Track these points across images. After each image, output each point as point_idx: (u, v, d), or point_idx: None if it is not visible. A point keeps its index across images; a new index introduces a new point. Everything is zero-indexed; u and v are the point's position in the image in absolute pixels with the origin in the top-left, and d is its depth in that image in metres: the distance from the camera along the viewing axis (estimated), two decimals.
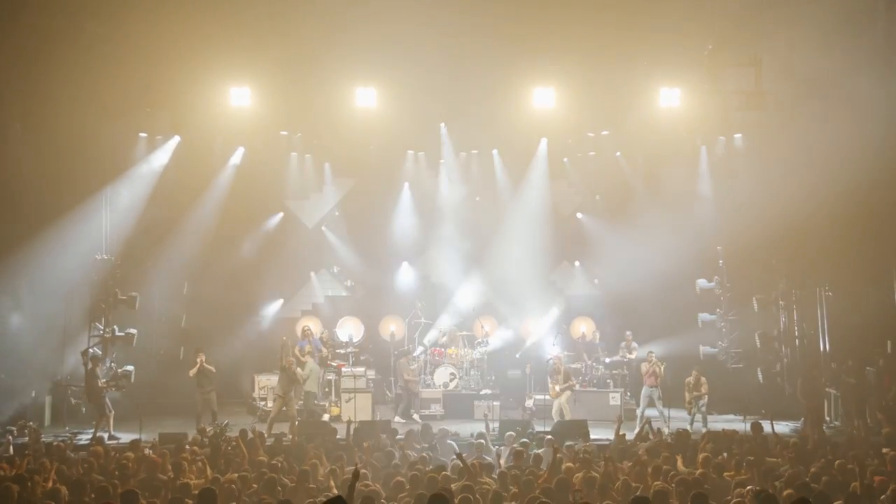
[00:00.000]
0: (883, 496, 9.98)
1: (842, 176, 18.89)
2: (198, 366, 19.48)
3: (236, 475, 11.08)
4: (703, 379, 19.37)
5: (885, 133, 18.81)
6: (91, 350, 19.63)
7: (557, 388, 19.72)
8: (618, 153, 23.50)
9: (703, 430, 17.23)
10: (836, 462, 12.19)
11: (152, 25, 18.48)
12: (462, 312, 23.50)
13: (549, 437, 14.98)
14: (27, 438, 16.24)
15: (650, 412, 18.90)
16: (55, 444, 14.64)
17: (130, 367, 19.92)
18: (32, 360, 19.45)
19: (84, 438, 17.17)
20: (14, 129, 18.95)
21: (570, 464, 11.93)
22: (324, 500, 9.28)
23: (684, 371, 19.85)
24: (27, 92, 18.75)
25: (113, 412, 18.91)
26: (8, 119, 18.74)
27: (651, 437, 14.92)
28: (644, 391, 19.52)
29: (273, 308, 23.85)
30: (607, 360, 21.71)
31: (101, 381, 19.11)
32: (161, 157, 21.80)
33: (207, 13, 18.46)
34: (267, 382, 21.24)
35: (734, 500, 9.32)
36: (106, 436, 17.71)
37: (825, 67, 18.47)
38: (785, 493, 9.69)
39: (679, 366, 20.22)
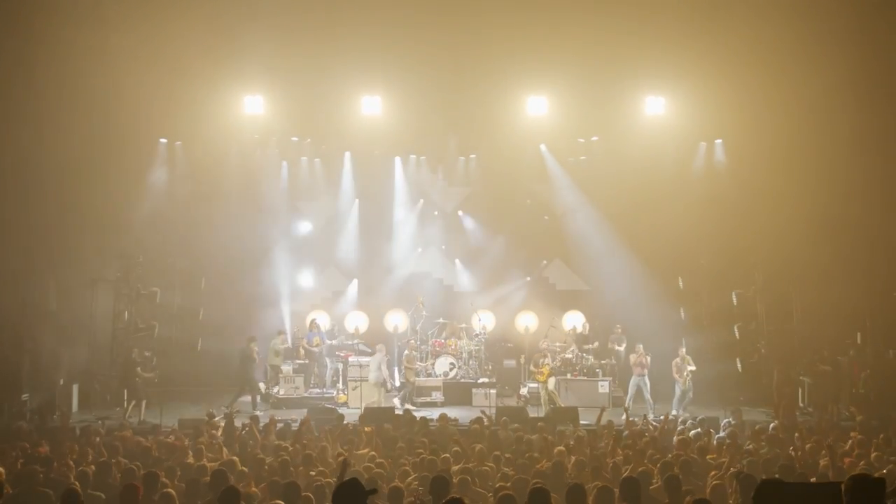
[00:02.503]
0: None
1: (815, 177, 19.03)
2: (254, 353, 20.32)
3: (250, 458, 11.08)
4: (688, 357, 19.39)
5: (854, 143, 18.87)
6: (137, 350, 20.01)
7: (546, 369, 19.74)
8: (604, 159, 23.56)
9: (685, 415, 17.18)
10: (808, 445, 12.21)
11: (172, 38, 18.54)
12: (461, 306, 23.49)
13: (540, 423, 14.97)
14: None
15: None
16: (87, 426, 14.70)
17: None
18: (61, 350, 19.49)
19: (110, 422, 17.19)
20: (46, 135, 18.96)
21: (562, 448, 11.91)
22: (331, 481, 9.29)
23: (667, 360, 19.86)
24: (57, 99, 18.78)
25: (145, 400, 19.07)
26: (41, 126, 18.76)
27: (638, 422, 14.93)
28: (632, 380, 19.53)
29: (285, 302, 23.83)
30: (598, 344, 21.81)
31: (143, 373, 19.42)
32: (182, 161, 22.04)
33: (223, 26, 18.51)
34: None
35: (713, 482, 9.32)
36: (135, 420, 17.91)
37: (800, 78, 18.54)
38: (763, 475, 9.69)
39: (664, 356, 20.19)
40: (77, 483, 8.79)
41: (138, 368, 19.36)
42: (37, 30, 18.15)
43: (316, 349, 21.44)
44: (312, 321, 21.93)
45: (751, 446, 12.43)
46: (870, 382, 18.45)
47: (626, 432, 13.70)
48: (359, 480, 5.83)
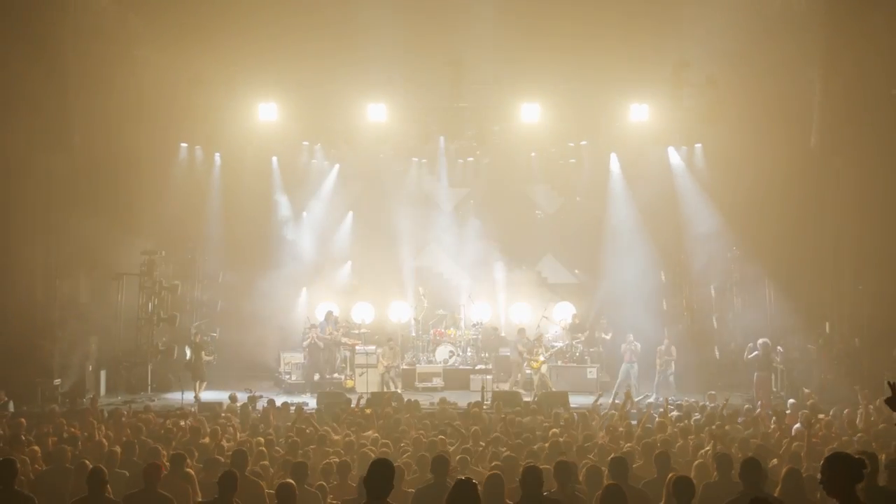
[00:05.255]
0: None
1: (788, 178, 19.05)
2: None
3: (263, 439, 11.03)
4: (672, 348, 19.32)
5: (822, 146, 18.88)
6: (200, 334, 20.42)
7: (541, 358, 19.77)
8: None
9: (671, 399, 17.07)
10: (784, 427, 12.18)
11: (192, 50, 18.54)
12: (459, 298, 23.45)
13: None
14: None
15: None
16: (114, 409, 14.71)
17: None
18: (90, 338, 19.49)
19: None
20: (75, 140, 18.97)
21: (556, 430, 11.83)
22: (338, 460, 9.24)
23: (651, 348, 19.82)
24: (86, 107, 18.79)
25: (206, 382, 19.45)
26: (70, 132, 18.77)
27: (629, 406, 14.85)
28: (623, 367, 19.45)
29: (297, 294, 23.76)
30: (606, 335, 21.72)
31: (206, 357, 19.83)
32: (201, 164, 22.06)
33: (239, 39, 18.52)
34: (291, 359, 21.25)
35: (697, 461, 9.24)
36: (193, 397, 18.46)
37: (773, 86, 18.55)
38: (739, 454, 9.64)
39: (648, 345, 20.15)
40: (94, 461, 8.72)
41: (203, 352, 19.71)
42: (69, 44, 18.20)
43: (329, 338, 21.39)
44: (329, 313, 21.88)
45: (728, 427, 12.39)
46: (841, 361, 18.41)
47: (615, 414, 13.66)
48: (390, 461, 5.86)
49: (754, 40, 18.75)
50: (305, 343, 20.88)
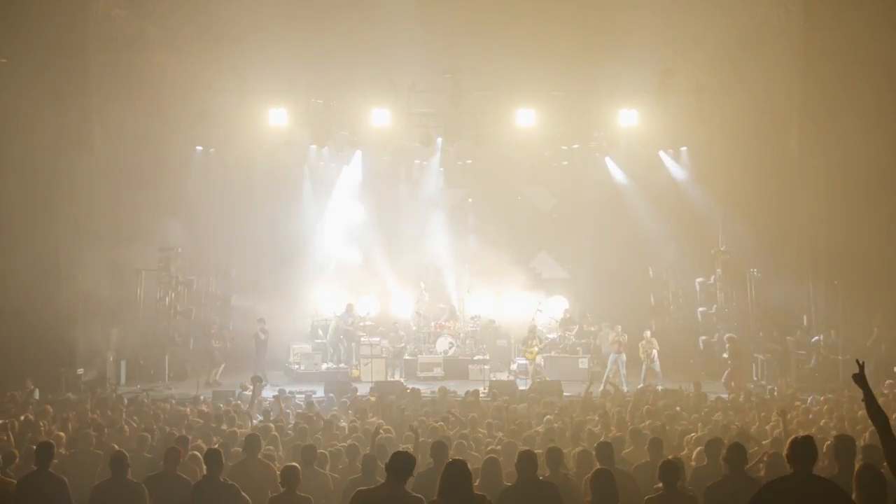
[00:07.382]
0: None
1: (768, 179, 19.07)
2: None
3: (274, 425, 11.02)
4: (654, 340, 19.34)
5: (801, 148, 18.89)
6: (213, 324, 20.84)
7: (535, 349, 19.79)
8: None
9: (659, 387, 17.06)
10: (763, 414, 12.18)
11: (205, 58, 18.52)
12: (459, 292, 23.43)
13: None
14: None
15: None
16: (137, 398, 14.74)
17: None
18: (110, 330, 19.50)
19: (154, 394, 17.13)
20: (96, 143, 18.96)
21: (550, 416, 11.82)
22: (346, 445, 9.23)
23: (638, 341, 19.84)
24: (107, 112, 18.79)
25: (223, 364, 20.05)
26: (91, 135, 18.76)
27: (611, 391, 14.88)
28: (611, 357, 19.43)
29: (304, 288, 23.69)
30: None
31: (215, 343, 20.28)
32: (215, 166, 22.07)
33: (250, 48, 18.53)
34: (300, 350, 21.23)
35: (698, 448, 9.19)
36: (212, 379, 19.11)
37: (751, 90, 18.58)
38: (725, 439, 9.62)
39: (636, 336, 20.13)
40: (116, 446, 8.72)
41: (213, 341, 20.02)
42: (91, 53, 18.21)
43: (351, 328, 21.38)
44: (349, 305, 21.84)
45: (718, 415, 12.41)
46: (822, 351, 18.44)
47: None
48: (409, 453, 5.99)
49: (737, 49, 18.80)
50: (252, 334, 20.57)
